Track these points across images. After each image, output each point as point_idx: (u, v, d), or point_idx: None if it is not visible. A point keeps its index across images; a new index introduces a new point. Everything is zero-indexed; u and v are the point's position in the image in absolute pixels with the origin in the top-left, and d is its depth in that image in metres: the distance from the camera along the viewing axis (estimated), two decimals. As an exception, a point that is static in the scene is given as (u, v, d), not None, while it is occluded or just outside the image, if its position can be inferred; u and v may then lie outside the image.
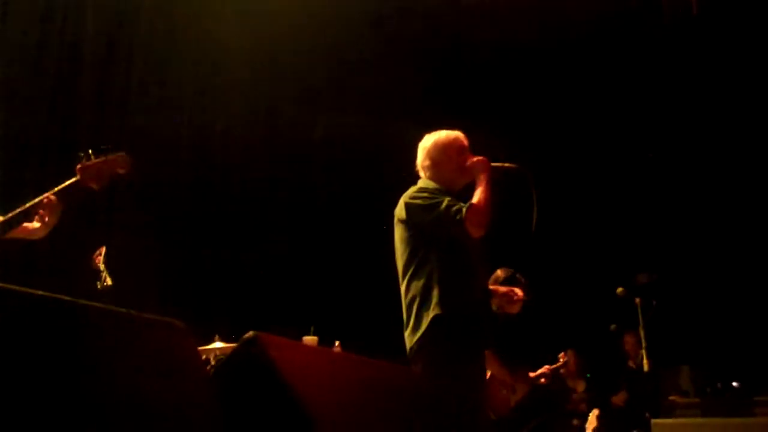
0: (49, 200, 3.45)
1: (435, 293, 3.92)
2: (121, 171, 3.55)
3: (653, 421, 5.97)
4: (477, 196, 4.04)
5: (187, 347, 2.39)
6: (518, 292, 4.43)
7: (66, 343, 1.95)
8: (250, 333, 2.40)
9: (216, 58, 7.70)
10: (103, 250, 4.35)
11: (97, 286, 4.05)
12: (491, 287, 4.46)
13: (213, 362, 5.05)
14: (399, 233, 4.16)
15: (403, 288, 4.10)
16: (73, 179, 3.53)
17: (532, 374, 6.79)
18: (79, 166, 3.52)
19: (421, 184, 4.27)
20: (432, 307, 3.90)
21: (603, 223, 8.95)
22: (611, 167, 8.90)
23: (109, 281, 4.08)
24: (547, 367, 6.99)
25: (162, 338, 2.27)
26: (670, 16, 7.91)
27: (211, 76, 7.69)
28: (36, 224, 3.49)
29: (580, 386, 8.07)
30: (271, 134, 8.42)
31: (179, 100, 7.53)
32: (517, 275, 6.33)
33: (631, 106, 8.68)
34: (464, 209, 3.94)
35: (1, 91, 6.33)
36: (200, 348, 5.20)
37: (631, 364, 8.21)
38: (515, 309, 4.53)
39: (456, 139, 4.33)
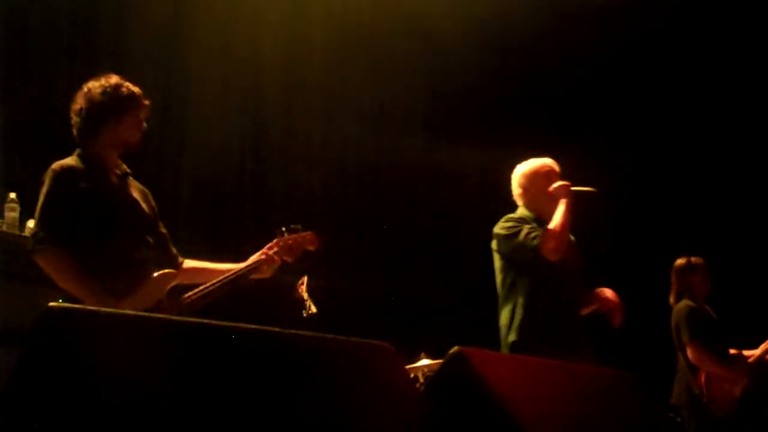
0: (273, 260, 3.71)
1: (517, 319, 4.11)
2: (311, 248, 3.85)
3: None
4: (554, 221, 4.14)
5: (396, 369, 2.43)
6: (610, 297, 4.36)
7: (278, 373, 2.03)
8: (454, 349, 2.41)
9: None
10: (305, 279, 4.48)
11: (302, 314, 4.19)
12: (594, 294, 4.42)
13: (422, 380, 5.09)
14: (495, 261, 4.34)
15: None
16: (278, 251, 3.74)
17: (749, 355, 6.40)
18: (278, 242, 3.75)
19: (518, 212, 4.37)
20: (512, 332, 4.11)
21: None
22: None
23: (314, 309, 4.20)
24: None
25: (371, 361, 2.32)
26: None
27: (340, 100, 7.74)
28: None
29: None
30: (431, 155, 8.38)
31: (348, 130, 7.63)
32: (692, 261, 6.12)
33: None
34: (540, 235, 4.05)
35: (195, 143, 6.68)
36: (408, 366, 5.27)
37: None
38: (615, 317, 4.43)
39: (543, 166, 4.40)
